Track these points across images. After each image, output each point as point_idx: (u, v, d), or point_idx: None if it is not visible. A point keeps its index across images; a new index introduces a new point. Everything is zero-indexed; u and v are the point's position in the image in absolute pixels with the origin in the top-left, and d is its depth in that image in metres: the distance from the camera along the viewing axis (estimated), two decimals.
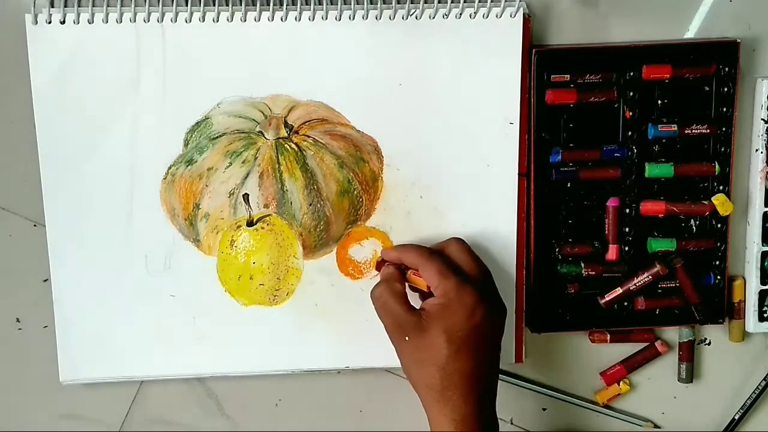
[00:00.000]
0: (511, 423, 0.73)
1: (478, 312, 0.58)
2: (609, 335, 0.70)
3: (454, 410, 0.58)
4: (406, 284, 0.63)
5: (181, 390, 0.69)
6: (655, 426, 0.73)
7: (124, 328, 0.66)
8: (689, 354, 0.71)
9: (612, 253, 0.68)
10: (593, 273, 0.68)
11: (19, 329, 0.67)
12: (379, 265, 0.66)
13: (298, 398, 0.70)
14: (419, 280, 0.62)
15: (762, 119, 0.68)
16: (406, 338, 0.60)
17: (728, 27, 0.67)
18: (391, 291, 0.61)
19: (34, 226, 0.66)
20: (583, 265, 0.68)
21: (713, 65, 0.66)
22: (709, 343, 0.73)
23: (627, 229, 0.68)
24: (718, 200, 0.67)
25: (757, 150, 0.69)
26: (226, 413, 0.70)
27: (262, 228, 0.66)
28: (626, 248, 0.68)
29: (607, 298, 0.69)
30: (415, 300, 0.62)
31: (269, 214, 0.66)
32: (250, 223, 0.66)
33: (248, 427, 0.70)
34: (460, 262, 0.62)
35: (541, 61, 0.65)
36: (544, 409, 0.73)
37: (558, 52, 0.66)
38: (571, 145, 0.67)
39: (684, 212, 0.68)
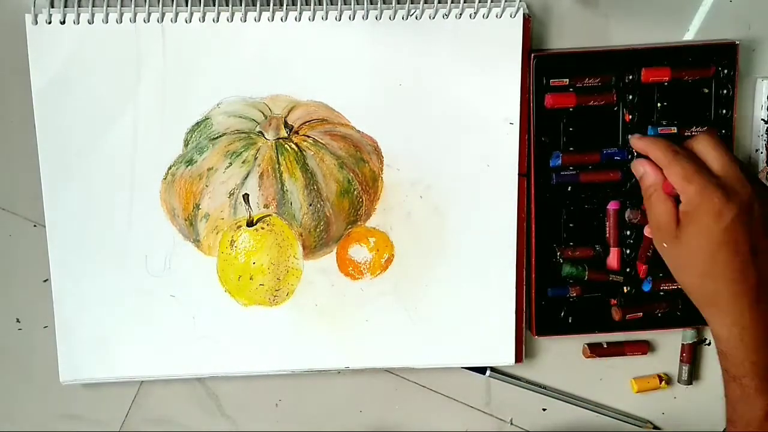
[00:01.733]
0: (511, 423, 0.73)
1: (727, 215, 0.56)
2: (603, 348, 0.71)
3: (727, 316, 0.57)
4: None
5: (181, 390, 0.69)
6: (655, 427, 0.73)
7: (125, 328, 0.66)
8: (691, 356, 0.71)
9: (613, 256, 0.68)
10: (595, 278, 0.68)
11: (19, 329, 0.67)
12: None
13: (298, 398, 0.70)
14: None
15: (762, 119, 0.68)
16: (664, 245, 0.60)
17: (728, 27, 0.67)
18: (658, 196, 0.61)
19: (34, 226, 0.66)
20: (586, 268, 0.68)
21: (712, 67, 0.66)
22: (709, 344, 0.72)
23: (628, 232, 0.68)
24: None
25: (757, 150, 0.69)
26: (226, 413, 0.70)
27: (262, 228, 0.66)
28: (627, 251, 0.68)
29: (627, 318, 0.69)
30: None
31: (269, 215, 0.66)
32: (250, 224, 0.66)
33: (248, 427, 0.71)
34: (707, 159, 0.59)
35: (540, 66, 0.65)
36: (544, 409, 0.73)
37: (557, 56, 0.66)
38: (571, 148, 0.67)
39: None
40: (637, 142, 0.63)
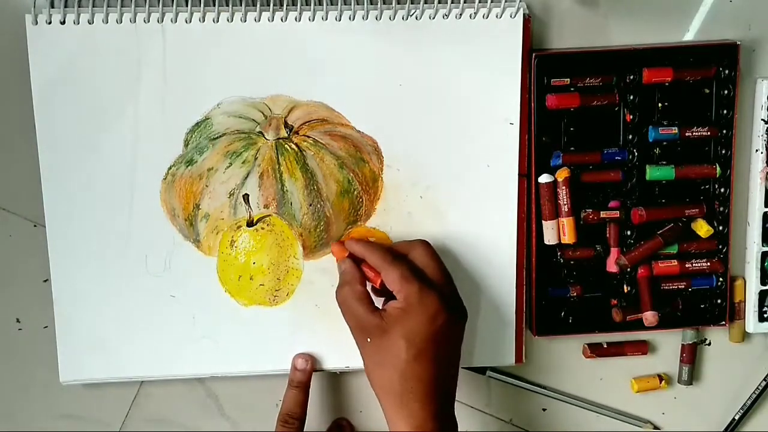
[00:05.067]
0: (511, 423, 0.73)
1: (440, 318, 0.59)
2: (603, 348, 0.71)
3: (411, 415, 0.58)
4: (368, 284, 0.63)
5: (181, 390, 0.69)
6: (655, 427, 0.73)
7: (124, 328, 0.66)
8: (692, 356, 0.71)
9: (614, 257, 0.68)
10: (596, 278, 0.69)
11: (19, 329, 0.67)
12: (337, 248, 0.65)
13: None
14: (371, 275, 0.63)
15: (762, 119, 0.68)
16: (368, 340, 0.60)
17: (728, 28, 0.67)
18: (353, 293, 0.62)
19: (34, 226, 0.66)
20: (586, 268, 0.68)
21: (713, 67, 0.66)
22: (709, 344, 0.72)
23: (628, 233, 0.68)
24: (702, 227, 0.68)
25: (757, 150, 0.69)
26: (226, 413, 0.70)
27: (262, 228, 0.66)
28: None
29: (628, 319, 0.69)
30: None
31: (269, 215, 0.66)
32: (250, 224, 0.66)
33: (248, 427, 0.70)
34: (423, 267, 0.61)
35: (542, 65, 0.65)
36: (544, 410, 0.73)
37: (558, 56, 0.66)
38: (571, 148, 0.67)
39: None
40: (353, 245, 0.64)
